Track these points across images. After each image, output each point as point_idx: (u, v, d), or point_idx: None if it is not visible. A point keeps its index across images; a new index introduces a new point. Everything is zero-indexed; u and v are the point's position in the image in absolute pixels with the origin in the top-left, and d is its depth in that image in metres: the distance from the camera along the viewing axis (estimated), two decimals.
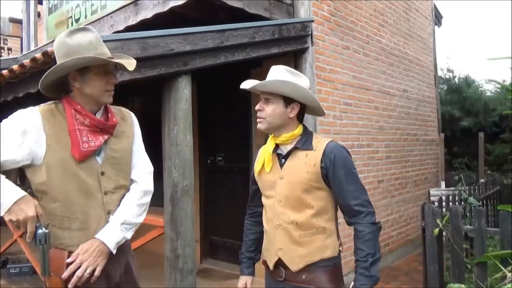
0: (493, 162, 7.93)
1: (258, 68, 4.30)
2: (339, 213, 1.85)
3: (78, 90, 1.61)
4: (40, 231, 1.45)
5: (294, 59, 4.00)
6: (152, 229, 3.04)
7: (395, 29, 5.65)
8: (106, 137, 1.65)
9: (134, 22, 3.70)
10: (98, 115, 1.67)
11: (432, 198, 6.09)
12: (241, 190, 4.63)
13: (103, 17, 4.10)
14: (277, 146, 1.85)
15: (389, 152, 5.30)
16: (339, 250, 1.86)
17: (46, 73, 1.59)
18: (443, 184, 6.50)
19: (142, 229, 3.15)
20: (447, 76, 8.89)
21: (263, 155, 1.88)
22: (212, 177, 5.03)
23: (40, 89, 1.65)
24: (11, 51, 10.19)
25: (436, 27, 7.45)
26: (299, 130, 1.82)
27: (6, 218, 1.44)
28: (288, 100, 1.77)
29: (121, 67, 1.70)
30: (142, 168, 1.82)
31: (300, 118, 1.85)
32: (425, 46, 6.57)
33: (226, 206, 4.85)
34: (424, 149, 6.31)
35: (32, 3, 5.79)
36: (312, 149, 1.78)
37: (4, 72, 2.84)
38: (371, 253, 1.69)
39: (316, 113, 1.98)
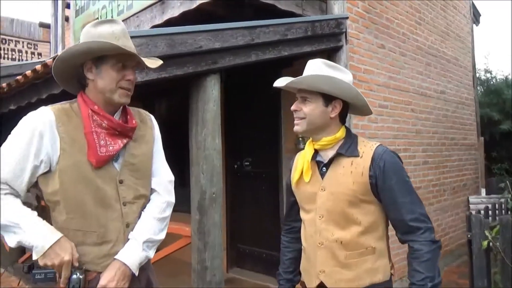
0: None
1: (289, 67, 4.10)
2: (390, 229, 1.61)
3: (92, 84, 1.44)
4: (74, 276, 1.37)
5: (327, 58, 3.76)
6: (178, 238, 2.87)
7: (432, 27, 5.35)
8: (125, 141, 1.48)
9: (160, 22, 3.57)
10: (116, 117, 1.49)
11: (471, 206, 5.73)
12: (269, 197, 4.42)
13: (129, 17, 4.00)
14: (316, 152, 1.62)
15: (427, 157, 4.99)
16: (391, 274, 1.61)
17: (57, 57, 1.42)
18: (483, 191, 6.12)
19: (167, 237, 3.01)
20: (485, 77, 8.44)
21: (301, 163, 1.64)
22: (239, 182, 4.84)
23: (55, 79, 1.48)
24: (41, 56, 10.36)
25: (474, 25, 7.06)
26: (341, 133, 1.59)
27: (41, 263, 1.37)
28: (328, 98, 1.55)
29: (141, 64, 1.51)
30: (163, 176, 1.64)
31: (342, 118, 1.63)
32: (463, 46, 6.22)
33: (253, 213, 4.65)
34: (462, 154, 5.95)
35: (60, 7, 5.79)
36: (358, 156, 1.54)
37: (28, 72, 2.74)
38: (430, 277, 1.44)
39: (362, 112, 1.72)
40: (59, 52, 6.20)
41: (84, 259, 1.42)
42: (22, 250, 5.30)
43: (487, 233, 3.28)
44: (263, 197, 4.53)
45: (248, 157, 4.76)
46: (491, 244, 3.31)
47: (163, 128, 6.29)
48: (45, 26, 9.31)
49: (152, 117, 1.71)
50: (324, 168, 1.59)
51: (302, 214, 1.68)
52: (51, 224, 1.43)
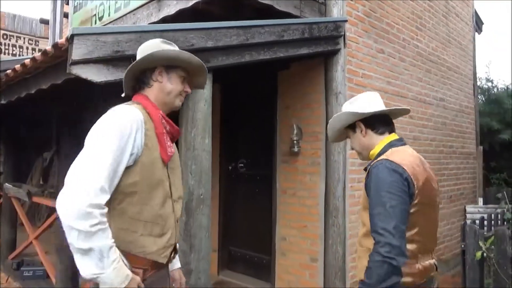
0: None
1: (286, 70, 4.06)
2: None
3: (158, 86, 1.61)
4: None
5: (325, 62, 3.72)
6: None
7: (433, 33, 5.30)
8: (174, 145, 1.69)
9: (156, 19, 3.52)
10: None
11: (468, 216, 5.67)
12: (262, 199, 4.37)
13: (126, 14, 3.96)
14: None
15: None
16: None
17: (139, 59, 1.60)
18: (480, 200, 6.07)
19: None
20: (486, 86, 8.39)
21: None
22: (233, 184, 4.79)
23: (126, 74, 1.63)
24: (34, 52, 10.34)
25: (476, 33, 7.02)
26: (377, 148, 1.79)
27: None
28: (351, 126, 1.86)
29: (196, 83, 1.78)
30: None
31: (378, 131, 1.82)
32: (464, 53, 6.18)
33: (247, 215, 4.59)
34: (460, 162, 5.89)
35: (58, 3, 5.75)
36: (367, 169, 1.75)
37: (17, 66, 2.70)
38: (365, 282, 1.52)
39: (399, 114, 1.96)
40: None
41: (149, 249, 1.50)
42: (12, 246, 5.25)
43: (481, 243, 3.23)
44: (257, 200, 4.48)
45: (243, 158, 4.70)
46: (485, 255, 3.26)
47: None
48: (46, 22, 9.26)
49: None
50: None
51: None
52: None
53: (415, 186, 1.60)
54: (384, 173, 1.60)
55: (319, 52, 3.48)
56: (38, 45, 10.97)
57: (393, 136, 1.81)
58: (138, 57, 1.63)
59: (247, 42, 2.77)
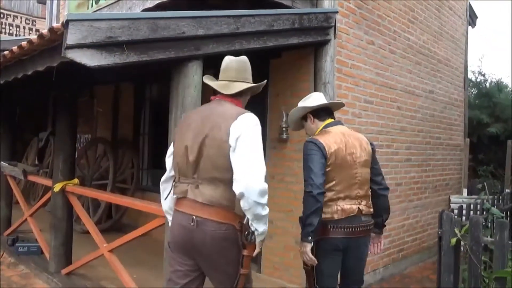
0: None
1: (278, 58, 4.15)
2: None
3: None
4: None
5: (315, 52, 3.82)
6: (154, 218, 2.95)
7: (425, 26, 5.39)
8: None
9: (151, 5, 3.60)
10: None
11: (452, 206, 5.83)
12: None
13: None
14: None
15: (410, 155, 5.07)
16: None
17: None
18: (465, 191, 6.23)
19: (149, 216, 3.09)
20: (478, 80, 8.51)
21: None
22: None
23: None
24: (39, 33, 10.33)
25: (469, 27, 7.10)
26: (317, 131, 2.59)
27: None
28: (304, 117, 2.68)
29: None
30: None
31: (320, 118, 2.62)
32: (456, 47, 6.27)
33: None
34: (447, 153, 6.04)
35: None
36: None
37: (14, 48, 2.79)
38: (301, 216, 2.36)
39: (336, 107, 2.78)
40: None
41: None
42: (7, 223, 5.39)
43: (456, 231, 3.38)
44: None
45: None
46: (462, 243, 3.41)
47: (154, 112, 6.39)
48: (43, 3, 9.26)
49: None
50: None
51: None
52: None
53: (327, 152, 2.37)
54: (307, 146, 2.42)
55: (309, 42, 3.59)
56: (35, 25, 10.97)
57: (329, 120, 2.60)
58: None
59: (237, 31, 2.87)
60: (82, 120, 6.55)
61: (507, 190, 5.63)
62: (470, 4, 7.01)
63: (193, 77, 2.65)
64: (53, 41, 2.40)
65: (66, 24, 2.07)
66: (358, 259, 2.54)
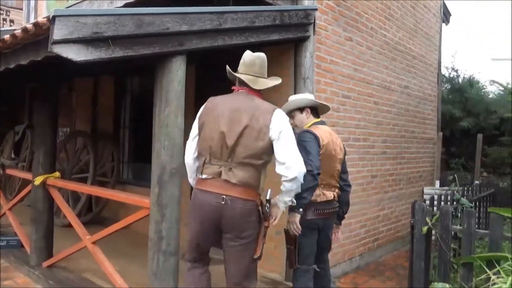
0: (490, 164, 7.90)
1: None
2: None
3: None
4: None
5: (295, 47, 3.93)
6: (138, 209, 3.01)
7: (401, 23, 5.57)
8: None
9: (133, 0, 3.62)
10: None
11: (425, 197, 6.07)
12: None
13: None
14: None
15: (385, 148, 5.26)
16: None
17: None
18: (437, 183, 6.48)
19: (130, 208, 3.14)
20: (452, 75, 8.80)
21: None
22: None
23: None
24: (13, 23, 10.08)
25: (443, 24, 7.34)
26: (308, 125, 2.98)
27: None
28: (301, 108, 3.02)
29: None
30: None
31: (313, 115, 3.04)
32: (430, 43, 6.49)
33: None
34: (421, 147, 6.27)
35: None
36: None
37: None
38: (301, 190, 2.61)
39: (322, 109, 3.14)
40: (32, 20, 6.10)
41: None
42: None
43: (428, 219, 3.57)
44: None
45: None
46: (433, 231, 3.60)
47: (135, 105, 6.39)
48: None
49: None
50: None
51: None
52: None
53: (321, 143, 2.78)
54: (305, 134, 2.80)
55: (289, 38, 3.68)
56: (9, 15, 10.68)
57: (318, 119, 3.04)
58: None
59: (220, 27, 2.94)
60: (60, 113, 6.46)
61: (477, 182, 5.91)
62: (444, 2, 7.24)
63: (177, 71, 2.71)
64: (38, 35, 2.42)
65: (52, 20, 2.11)
66: (328, 238, 3.09)
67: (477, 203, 5.17)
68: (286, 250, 2.91)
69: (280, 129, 2.33)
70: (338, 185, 3.03)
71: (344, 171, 3.09)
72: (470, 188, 5.11)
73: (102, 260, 3.39)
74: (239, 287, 2.41)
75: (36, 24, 2.31)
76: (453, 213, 3.90)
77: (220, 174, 2.32)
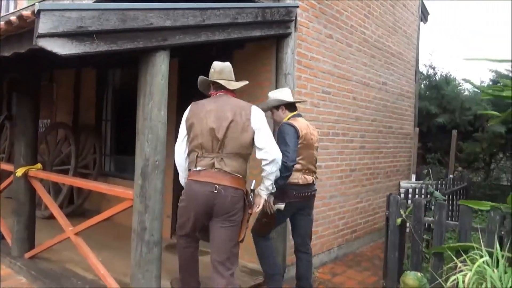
0: (464, 159, 8.17)
1: (241, 49, 4.31)
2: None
3: None
4: None
5: (276, 44, 4.02)
6: (122, 201, 3.07)
7: (380, 21, 5.71)
8: None
9: None
10: None
11: (401, 190, 6.27)
12: None
13: None
14: None
15: (364, 143, 5.42)
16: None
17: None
18: (413, 177, 6.67)
19: (112, 201, 3.19)
20: (429, 73, 9.03)
21: None
22: None
23: None
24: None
25: (422, 23, 7.53)
26: (286, 119, 3.39)
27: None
28: (276, 106, 3.45)
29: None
30: None
31: (288, 110, 3.45)
32: (408, 41, 6.66)
33: None
34: (398, 142, 6.46)
35: None
36: None
37: None
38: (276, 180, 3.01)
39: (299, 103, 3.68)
40: (11, 9, 6.00)
41: None
42: None
43: (402, 211, 3.72)
44: None
45: None
46: (408, 223, 3.76)
47: (117, 98, 6.39)
48: None
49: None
50: None
51: None
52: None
53: (300, 134, 3.19)
54: (285, 127, 3.17)
55: (271, 35, 3.77)
56: None
57: (295, 112, 3.43)
58: None
59: (203, 23, 3.01)
60: (41, 104, 6.42)
61: (451, 176, 6.13)
62: (422, 2, 7.42)
63: (160, 66, 2.77)
64: (22, 28, 2.44)
65: (37, 13, 2.14)
66: (310, 221, 3.56)
67: (450, 196, 5.37)
68: (261, 222, 3.30)
69: (259, 121, 2.76)
70: (315, 170, 3.46)
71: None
72: (443, 182, 5.31)
73: (85, 250, 3.43)
74: (222, 266, 2.67)
75: (20, 17, 2.33)
76: (427, 206, 4.07)
77: (213, 165, 2.65)
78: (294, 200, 3.24)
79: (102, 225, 4.06)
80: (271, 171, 2.76)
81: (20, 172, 3.97)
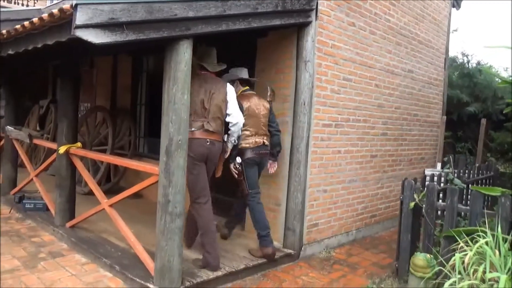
0: (496, 149, 8.02)
1: (264, 37, 4.51)
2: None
3: None
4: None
5: (297, 32, 4.18)
6: (149, 176, 3.39)
7: (407, 8, 5.71)
8: None
9: None
10: None
11: (425, 174, 6.31)
12: None
13: None
14: None
15: (386, 130, 5.50)
16: None
17: None
18: (439, 165, 6.67)
19: (144, 178, 3.52)
20: (462, 61, 8.85)
21: None
22: None
23: None
24: (37, 1, 10.48)
25: (454, 9, 7.40)
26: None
27: None
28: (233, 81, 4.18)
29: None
30: None
31: (243, 85, 4.26)
32: (438, 28, 6.60)
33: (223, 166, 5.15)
34: (424, 130, 6.47)
35: None
36: None
37: (26, 23, 3.14)
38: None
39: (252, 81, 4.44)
40: (55, 1, 6.43)
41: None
42: (13, 184, 5.83)
43: (415, 196, 3.85)
44: None
45: None
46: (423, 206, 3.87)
47: (151, 83, 6.78)
48: None
49: None
50: None
51: None
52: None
53: (243, 106, 3.93)
54: None
55: (291, 24, 3.95)
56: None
57: (246, 88, 4.22)
58: None
59: (224, 13, 3.23)
60: (82, 89, 6.91)
61: (476, 165, 6.10)
62: None
63: (183, 54, 3.03)
64: (62, 19, 2.76)
65: (75, 7, 2.44)
66: (263, 169, 4.25)
67: (474, 184, 5.36)
68: (238, 182, 4.08)
69: (231, 94, 3.76)
70: (267, 133, 4.14)
71: (272, 121, 4.17)
72: (467, 170, 5.32)
73: (118, 221, 3.80)
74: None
75: (61, 10, 2.64)
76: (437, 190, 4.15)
77: (202, 126, 3.52)
78: (251, 156, 3.99)
79: (134, 201, 4.39)
80: (235, 130, 3.77)
81: (62, 149, 4.38)
